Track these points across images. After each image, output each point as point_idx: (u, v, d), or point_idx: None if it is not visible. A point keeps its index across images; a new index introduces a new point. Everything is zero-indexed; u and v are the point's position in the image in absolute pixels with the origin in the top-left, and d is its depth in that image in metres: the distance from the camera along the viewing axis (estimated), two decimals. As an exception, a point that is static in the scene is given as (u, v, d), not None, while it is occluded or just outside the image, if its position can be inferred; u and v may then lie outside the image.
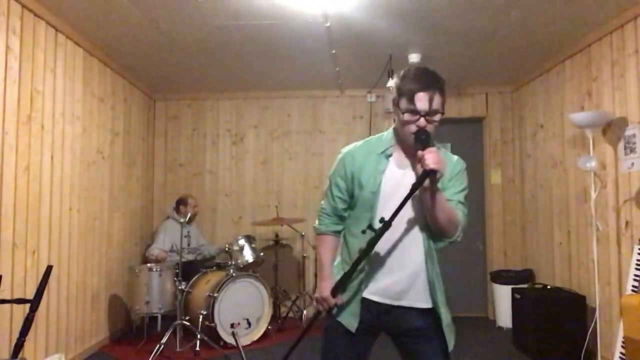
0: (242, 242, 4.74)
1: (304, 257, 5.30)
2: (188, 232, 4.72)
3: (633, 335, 2.76)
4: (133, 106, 5.07)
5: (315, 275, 5.09)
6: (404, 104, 1.66)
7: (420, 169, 1.57)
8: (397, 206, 1.59)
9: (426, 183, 1.58)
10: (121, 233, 4.74)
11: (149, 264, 4.34)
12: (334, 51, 4.28)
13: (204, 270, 4.61)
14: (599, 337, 3.59)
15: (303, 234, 5.13)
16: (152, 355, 3.77)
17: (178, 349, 3.99)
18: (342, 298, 1.76)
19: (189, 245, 4.77)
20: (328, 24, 3.67)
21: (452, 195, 1.72)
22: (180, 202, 5.08)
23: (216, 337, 4.11)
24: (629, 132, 3.37)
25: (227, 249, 4.70)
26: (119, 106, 4.70)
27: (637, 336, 2.73)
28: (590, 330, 3.71)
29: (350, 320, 1.76)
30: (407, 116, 1.66)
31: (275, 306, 4.98)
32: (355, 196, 1.79)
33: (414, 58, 4.33)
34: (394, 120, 1.79)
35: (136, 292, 4.20)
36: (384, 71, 4.65)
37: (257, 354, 4.04)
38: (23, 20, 3.16)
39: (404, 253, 1.72)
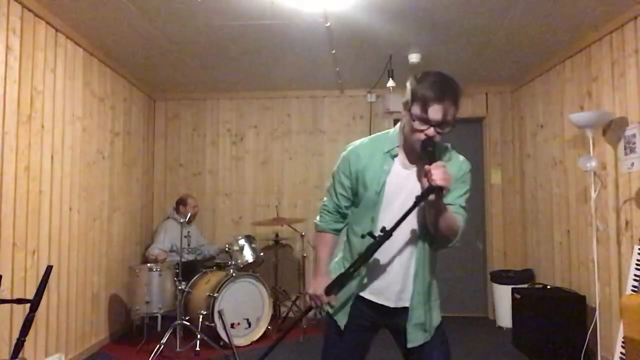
0: (242, 242, 4.74)
1: (304, 257, 5.29)
2: (188, 232, 4.71)
3: (633, 335, 2.76)
4: (133, 106, 5.07)
5: (315, 275, 5.07)
6: (416, 110, 1.59)
7: (425, 182, 1.53)
8: (399, 208, 1.59)
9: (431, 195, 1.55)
10: (121, 233, 4.74)
11: (149, 264, 4.34)
12: (334, 51, 4.28)
13: (204, 270, 4.62)
14: (599, 337, 3.59)
15: (303, 234, 5.13)
16: (152, 355, 3.78)
17: (178, 349, 3.99)
18: (335, 297, 1.76)
19: (189, 245, 4.77)
20: (328, 24, 3.67)
21: (454, 198, 1.69)
22: (180, 202, 5.08)
23: (216, 337, 4.11)
24: (629, 132, 3.37)
25: (227, 249, 4.69)
26: (119, 106, 4.70)
27: (637, 336, 2.73)
28: (590, 330, 3.71)
29: (341, 318, 1.78)
30: (417, 124, 1.60)
31: (275, 306, 4.98)
32: (358, 195, 1.79)
33: (414, 58, 4.33)
34: (402, 120, 1.73)
35: (136, 292, 4.19)
36: (384, 71, 4.65)
37: (257, 354, 4.04)
38: (23, 20, 3.16)
39: (401, 255, 1.72)
